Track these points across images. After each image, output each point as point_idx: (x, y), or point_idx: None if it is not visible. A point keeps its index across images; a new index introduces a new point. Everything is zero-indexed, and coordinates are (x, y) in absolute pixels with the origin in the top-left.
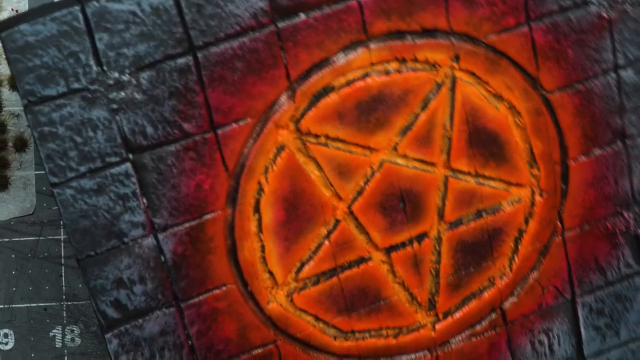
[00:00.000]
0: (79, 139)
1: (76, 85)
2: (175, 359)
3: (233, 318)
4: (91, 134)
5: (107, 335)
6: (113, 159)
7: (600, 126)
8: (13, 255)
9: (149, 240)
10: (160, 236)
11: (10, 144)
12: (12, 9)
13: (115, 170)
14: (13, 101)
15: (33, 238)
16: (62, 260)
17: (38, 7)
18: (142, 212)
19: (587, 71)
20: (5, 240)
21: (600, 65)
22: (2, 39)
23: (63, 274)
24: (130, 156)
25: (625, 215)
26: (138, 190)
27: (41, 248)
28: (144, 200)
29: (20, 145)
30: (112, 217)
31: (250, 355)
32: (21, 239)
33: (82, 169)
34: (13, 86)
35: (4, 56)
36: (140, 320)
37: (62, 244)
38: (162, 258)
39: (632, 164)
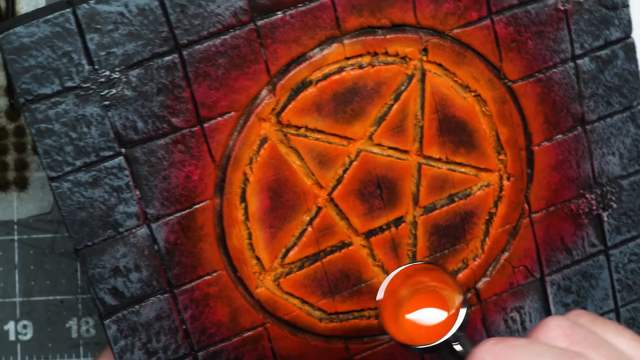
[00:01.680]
0: (74, 135)
1: (70, 84)
2: (170, 342)
3: (224, 302)
4: (85, 129)
5: (106, 322)
6: (107, 153)
7: (561, 113)
8: (31, 251)
9: (143, 230)
10: (154, 225)
11: (29, 147)
12: None
13: (109, 163)
14: None
15: (50, 235)
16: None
17: (31, 10)
18: (135, 203)
19: (547, 61)
20: (24, 237)
21: (559, 55)
22: None
23: (78, 269)
24: (123, 150)
25: (588, 196)
26: (131, 183)
27: (58, 244)
28: (137, 192)
29: None
30: (108, 208)
31: (241, 337)
32: (39, 236)
33: (78, 163)
34: None
35: None
36: (137, 307)
37: None
38: (156, 247)
39: (592, 148)
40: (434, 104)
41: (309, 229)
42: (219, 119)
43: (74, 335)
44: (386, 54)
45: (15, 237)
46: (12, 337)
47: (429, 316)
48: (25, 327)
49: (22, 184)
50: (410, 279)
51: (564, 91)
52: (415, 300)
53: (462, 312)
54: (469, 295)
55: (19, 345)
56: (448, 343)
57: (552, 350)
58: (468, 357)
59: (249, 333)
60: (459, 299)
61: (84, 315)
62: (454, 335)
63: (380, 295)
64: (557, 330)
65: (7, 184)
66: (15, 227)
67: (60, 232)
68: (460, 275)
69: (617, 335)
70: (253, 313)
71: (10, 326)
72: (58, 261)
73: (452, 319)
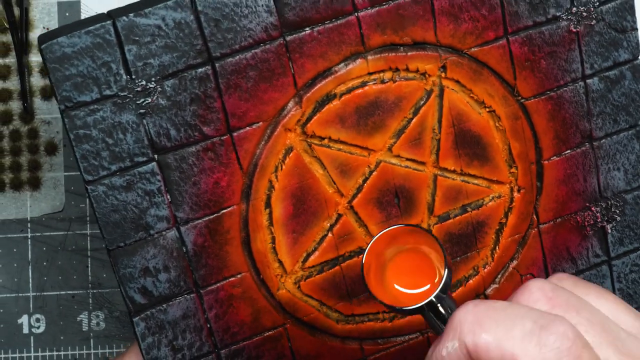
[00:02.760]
0: (110, 141)
1: (108, 92)
2: (195, 340)
3: (247, 303)
4: (121, 136)
5: (135, 319)
6: (140, 159)
7: (571, 129)
8: (44, 248)
9: (173, 233)
10: (183, 229)
11: (42, 148)
12: (44, 27)
13: (142, 169)
14: (44, 110)
15: (62, 233)
16: (89, 252)
17: (74, 22)
18: (166, 207)
19: (559, 80)
20: (37, 234)
21: (570, 75)
22: (42, 50)
23: (89, 265)
24: (156, 156)
25: (593, 209)
26: (163, 187)
27: (70, 242)
28: (168, 196)
29: (51, 149)
30: (140, 211)
31: (262, 336)
32: (52, 233)
33: (113, 167)
34: (45, 96)
35: (36, 69)
36: (165, 305)
37: (89, 238)
38: (184, 249)
39: (598, 163)
40: (450, 119)
41: (329, 234)
42: (248, 128)
43: (85, 328)
44: (407, 70)
45: (29, 235)
46: (25, 330)
47: (413, 280)
48: (38, 320)
49: (35, 184)
50: (395, 241)
51: (574, 109)
52: (399, 260)
53: (445, 273)
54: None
55: (32, 338)
56: (432, 304)
57: (533, 312)
58: (450, 318)
59: (270, 332)
60: (442, 260)
61: (94, 309)
62: (437, 296)
63: (364, 258)
64: (538, 293)
65: (21, 184)
66: (29, 225)
67: (72, 229)
68: (471, 281)
69: (599, 298)
70: (274, 314)
71: (24, 319)
72: (69, 258)
73: (435, 280)
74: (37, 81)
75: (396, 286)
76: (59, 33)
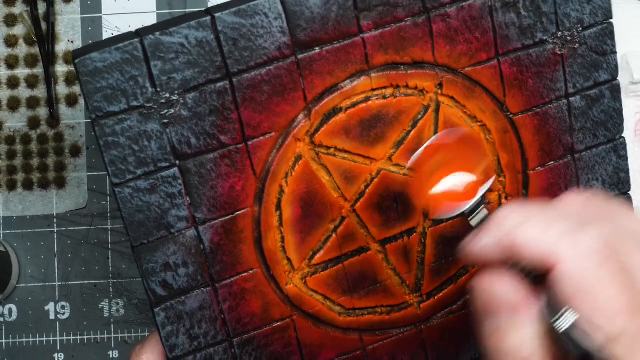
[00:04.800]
0: (136, 147)
1: (135, 103)
2: (210, 329)
3: (258, 296)
4: (146, 143)
5: (156, 310)
6: (163, 164)
7: (554, 142)
8: (69, 242)
9: (191, 232)
10: (201, 228)
11: (66, 150)
12: (69, 40)
13: (165, 173)
14: (69, 115)
15: (85, 227)
16: (109, 245)
17: (104, 39)
18: (186, 208)
19: (544, 97)
20: (62, 229)
21: (555, 93)
22: (76, 64)
23: (110, 257)
24: (177, 162)
25: None
26: (183, 190)
27: (92, 236)
28: (188, 199)
29: (75, 151)
30: (162, 212)
31: (271, 327)
32: (76, 228)
33: (139, 172)
34: (69, 103)
35: (61, 79)
36: (183, 297)
37: (109, 233)
38: (202, 246)
39: (579, 174)
40: None
41: (334, 235)
42: (261, 138)
43: (106, 314)
44: (407, 86)
45: (55, 229)
46: (52, 316)
47: (457, 182)
48: (63, 307)
49: (60, 183)
50: (443, 149)
51: (558, 124)
52: (444, 171)
53: (489, 181)
54: (468, 297)
55: (58, 323)
56: (473, 209)
57: (564, 218)
58: (492, 217)
59: (278, 323)
60: (487, 167)
61: (115, 297)
62: (478, 202)
63: (411, 162)
64: (571, 205)
65: (48, 183)
66: (55, 220)
67: (94, 224)
68: (461, 279)
69: (625, 214)
70: (282, 306)
71: (50, 307)
72: (92, 250)
73: (477, 186)
74: (62, 89)
75: (439, 189)
76: (91, 49)
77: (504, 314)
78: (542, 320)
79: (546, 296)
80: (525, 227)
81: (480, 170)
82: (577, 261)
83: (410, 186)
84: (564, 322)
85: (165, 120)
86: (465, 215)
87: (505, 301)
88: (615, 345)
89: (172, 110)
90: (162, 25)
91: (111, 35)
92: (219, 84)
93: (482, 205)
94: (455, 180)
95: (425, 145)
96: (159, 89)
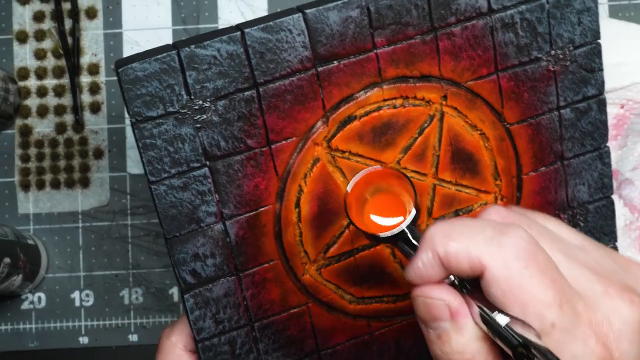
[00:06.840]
0: (171, 149)
1: (171, 109)
2: (234, 314)
3: (277, 285)
4: (180, 145)
5: (186, 296)
6: (195, 165)
7: (546, 150)
8: (93, 236)
9: (219, 226)
10: (227, 223)
11: (90, 153)
12: (93, 53)
13: (196, 173)
14: (92, 122)
15: (107, 223)
16: (129, 239)
17: (144, 51)
18: (214, 204)
19: (538, 109)
20: (86, 224)
21: (547, 106)
22: (119, 73)
23: (129, 250)
24: (208, 163)
25: (562, 216)
26: (212, 188)
27: (113, 231)
28: (217, 196)
29: (98, 154)
30: (193, 207)
31: (288, 313)
32: (99, 223)
33: (173, 171)
34: (93, 110)
35: (85, 88)
36: (210, 285)
37: (129, 228)
38: (228, 239)
39: (567, 179)
40: (448, 139)
41: (347, 231)
42: (284, 142)
43: (126, 302)
44: (415, 98)
45: (80, 225)
46: (77, 304)
47: (387, 215)
48: (87, 295)
49: (85, 183)
50: (375, 181)
51: (549, 133)
52: (377, 198)
53: (414, 210)
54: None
55: (82, 310)
56: (403, 233)
57: (493, 223)
58: (422, 235)
59: (295, 310)
60: (412, 200)
61: (134, 286)
62: (408, 226)
63: (349, 188)
64: (494, 214)
65: (73, 183)
66: (80, 216)
67: (115, 220)
68: None
69: (545, 220)
70: (299, 295)
71: (75, 295)
72: (113, 244)
73: (406, 216)
74: (86, 98)
75: (373, 217)
76: (132, 59)
77: (445, 320)
78: (480, 323)
79: (481, 300)
80: (452, 239)
81: (407, 203)
82: (503, 264)
83: (348, 209)
84: (499, 323)
85: (198, 125)
86: (397, 240)
87: (445, 307)
88: (549, 339)
89: (204, 116)
90: (197, 39)
91: (131, 49)
92: (246, 93)
93: (411, 232)
94: (386, 211)
95: (362, 173)
96: (192, 97)
